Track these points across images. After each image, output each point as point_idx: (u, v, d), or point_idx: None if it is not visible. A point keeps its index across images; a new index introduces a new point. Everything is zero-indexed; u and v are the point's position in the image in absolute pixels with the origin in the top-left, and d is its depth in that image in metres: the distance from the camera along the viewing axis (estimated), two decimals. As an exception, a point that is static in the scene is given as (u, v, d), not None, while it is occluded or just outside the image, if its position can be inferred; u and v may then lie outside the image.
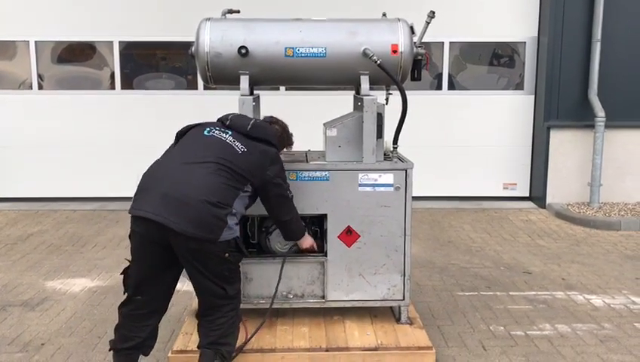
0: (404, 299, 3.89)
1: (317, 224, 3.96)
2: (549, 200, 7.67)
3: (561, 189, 7.65)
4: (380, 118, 3.73)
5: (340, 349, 3.60)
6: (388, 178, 3.77)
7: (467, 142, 7.97)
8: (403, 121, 3.80)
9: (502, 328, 4.23)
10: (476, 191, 8.04)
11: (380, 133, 3.76)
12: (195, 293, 3.36)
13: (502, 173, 8.07)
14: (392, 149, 3.96)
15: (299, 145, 4.49)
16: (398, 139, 3.91)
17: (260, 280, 3.85)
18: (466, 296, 4.83)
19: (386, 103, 3.89)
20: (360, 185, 3.77)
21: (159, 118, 7.82)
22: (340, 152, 3.82)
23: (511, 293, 4.88)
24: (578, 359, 3.80)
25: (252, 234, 3.94)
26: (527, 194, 8.08)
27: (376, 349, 3.60)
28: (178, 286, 5.10)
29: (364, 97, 3.68)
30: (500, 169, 8.06)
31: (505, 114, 7.98)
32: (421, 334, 3.77)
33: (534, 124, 7.93)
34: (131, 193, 3.35)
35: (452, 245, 6.17)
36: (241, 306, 3.78)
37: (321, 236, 3.96)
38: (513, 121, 7.99)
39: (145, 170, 3.39)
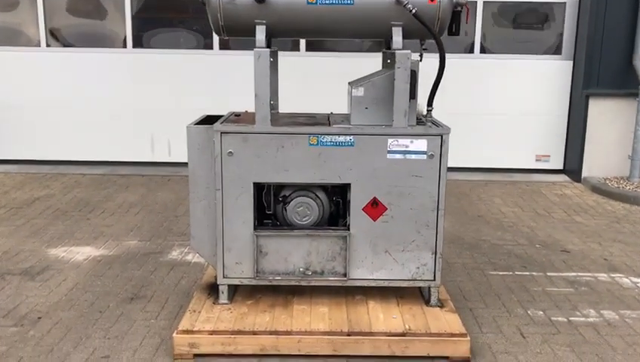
0: (434, 280, 3.51)
1: (339, 194, 3.57)
2: (584, 173, 7.18)
3: (598, 162, 7.15)
4: (413, 75, 3.29)
5: (363, 334, 3.24)
6: (421, 144, 3.35)
7: (498, 111, 7.47)
8: (440, 79, 3.37)
9: (541, 313, 3.83)
10: (506, 163, 7.56)
11: (413, 94, 3.33)
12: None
13: (534, 144, 7.58)
14: (425, 113, 3.54)
15: (318, 109, 4.08)
16: (433, 101, 3.48)
17: (276, 254, 3.48)
18: (500, 275, 4.43)
19: (420, 60, 3.45)
20: (389, 151, 3.36)
21: (173, 79, 7.42)
22: (367, 115, 3.40)
23: (549, 274, 4.47)
24: (630, 351, 3.40)
25: (267, 204, 3.56)
26: (561, 167, 7.59)
27: (403, 335, 3.23)
28: (188, 257, 4.83)
29: (397, 52, 3.24)
30: (532, 140, 7.57)
31: (540, 81, 7.44)
32: (453, 318, 3.39)
33: (572, 92, 7.39)
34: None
35: (482, 220, 5.75)
36: (255, 282, 3.45)
37: (343, 208, 3.57)
38: (549, 88, 7.46)
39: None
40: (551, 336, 3.54)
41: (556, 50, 7.43)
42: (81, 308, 3.84)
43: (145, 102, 7.50)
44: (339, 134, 3.34)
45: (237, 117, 3.70)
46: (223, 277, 3.51)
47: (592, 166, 7.15)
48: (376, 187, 3.39)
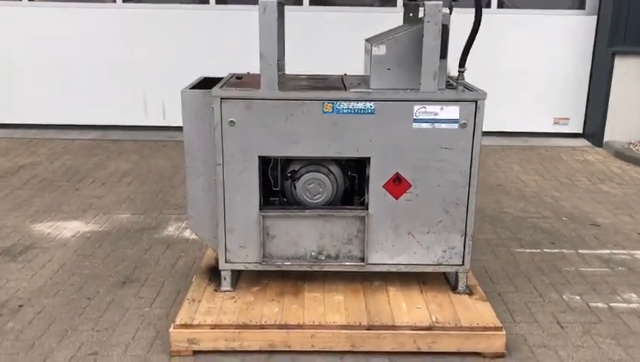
0: (463, 264, 3.12)
1: (355, 168, 3.15)
2: (606, 137, 6.74)
3: (622, 126, 6.70)
4: (445, 30, 2.83)
5: (385, 327, 2.86)
6: (452, 111, 2.91)
7: (514, 70, 6.95)
8: (476, 33, 2.94)
9: (578, 297, 3.46)
10: (523, 127, 7.11)
11: (444, 52, 2.87)
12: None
13: (553, 106, 7.11)
14: (456, 75, 3.09)
15: (323, 69, 3.63)
16: (466, 61, 3.03)
17: (285, 237, 3.08)
18: (527, 253, 4.05)
19: (450, 13, 2.98)
20: (415, 120, 2.92)
21: (167, 36, 6.89)
22: (390, 77, 2.95)
23: (580, 251, 4.09)
24: (683, 344, 3.04)
25: (274, 180, 3.14)
26: (580, 131, 7.15)
27: (430, 328, 2.86)
28: (186, 234, 4.42)
29: (426, 2, 2.77)
30: (550, 101, 7.09)
31: (560, 37, 6.92)
32: (485, 308, 3.01)
33: (595, 49, 6.88)
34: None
35: (502, 189, 5.34)
36: (262, 268, 3.06)
37: (360, 184, 3.15)
38: (570, 45, 6.94)
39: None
40: (592, 326, 3.18)
41: (579, 4, 6.89)
42: (67, 293, 3.45)
43: (137, 60, 6.97)
44: (357, 100, 2.89)
45: (239, 80, 3.25)
46: (226, 261, 3.11)
47: (615, 130, 6.71)
48: (399, 161, 2.97)
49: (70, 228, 4.36)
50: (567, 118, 7.14)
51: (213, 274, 3.26)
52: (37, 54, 6.99)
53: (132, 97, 7.04)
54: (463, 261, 3.11)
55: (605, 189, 5.40)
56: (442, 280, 3.27)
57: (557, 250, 4.10)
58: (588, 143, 6.93)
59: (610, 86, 6.63)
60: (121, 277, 3.65)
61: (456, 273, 3.14)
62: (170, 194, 5.10)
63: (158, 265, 3.81)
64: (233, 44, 6.61)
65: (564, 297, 3.47)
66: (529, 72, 6.97)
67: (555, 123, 7.16)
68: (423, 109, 2.90)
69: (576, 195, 5.23)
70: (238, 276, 3.24)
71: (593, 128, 6.91)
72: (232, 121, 2.91)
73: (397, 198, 3.02)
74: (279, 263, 3.10)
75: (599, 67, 6.79)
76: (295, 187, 3.09)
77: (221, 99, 2.90)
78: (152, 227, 4.42)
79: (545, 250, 4.11)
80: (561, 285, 3.61)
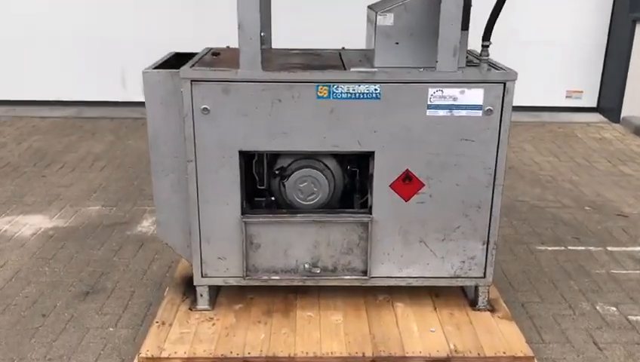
0: (484, 277, 2.63)
1: (355, 162, 2.63)
2: (624, 112, 6.22)
3: (641, 99, 6.18)
4: (468, -4, 2.29)
5: (393, 360, 2.38)
6: (475, 95, 2.38)
7: (523, 38, 6.33)
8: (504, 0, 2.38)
9: (613, 309, 2.99)
10: (533, 101, 6.53)
11: (465, 23, 2.33)
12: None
13: (565, 78, 6.56)
14: (479, 51, 2.55)
15: (317, 42, 3.08)
16: (491, 33, 2.48)
17: (273, 246, 2.57)
18: (550, 251, 3.57)
19: (472, -26, 2.43)
20: (430, 106, 2.39)
21: (147, 2, 6.26)
22: (398, 53, 2.41)
23: (609, 248, 3.61)
24: None
25: (259, 177, 2.62)
26: (595, 105, 6.62)
27: (448, 360, 2.38)
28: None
29: (446, -40, 2.22)
30: (562, 72, 6.53)
31: (574, 2, 6.34)
32: (511, 330, 2.53)
33: (613, 16, 6.30)
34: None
35: (515, 173, 4.83)
36: (245, 283, 2.56)
37: (362, 180, 2.64)
38: (584, 11, 6.36)
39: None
40: (635, 347, 2.70)
41: (597, -35, 6.31)
42: (18, 309, 2.94)
43: (114, 31, 6.34)
44: (359, 82, 2.35)
45: (215, 56, 2.70)
46: (202, 276, 2.61)
47: (634, 103, 6.18)
48: (410, 156, 2.45)
49: (31, 225, 3.84)
50: (581, 91, 6.61)
51: (189, 286, 2.76)
52: (6, 27, 6.35)
53: (109, 71, 6.43)
54: (485, 273, 2.62)
55: (628, 172, 4.91)
56: (458, 292, 2.78)
57: (583, 248, 3.61)
58: (603, 118, 6.41)
59: (629, 56, 6.08)
60: (84, 286, 3.15)
61: (476, 286, 2.66)
62: (147, 182, 4.55)
63: (127, 271, 3.31)
64: (218, 12, 5.98)
65: (597, 308, 2.99)
66: (540, 40, 6.39)
67: (567, 96, 6.62)
68: (440, 93, 2.37)
69: (596, 179, 4.73)
70: (217, 291, 2.75)
71: (609, 102, 6.38)
72: (205, 109, 2.37)
73: (407, 200, 2.51)
74: (265, 277, 2.60)
75: (617, 35, 6.22)
76: (284, 186, 2.57)
77: (192, 81, 2.35)
78: (125, 222, 3.90)
79: (569, 247, 3.62)
80: (592, 292, 3.13)
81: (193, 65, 2.44)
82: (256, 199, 2.68)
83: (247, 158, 2.54)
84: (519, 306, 2.99)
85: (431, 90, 2.36)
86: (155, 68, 2.51)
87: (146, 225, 3.85)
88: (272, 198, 2.68)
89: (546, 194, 4.43)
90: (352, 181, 2.71)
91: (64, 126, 5.96)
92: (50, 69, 6.44)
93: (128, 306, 2.98)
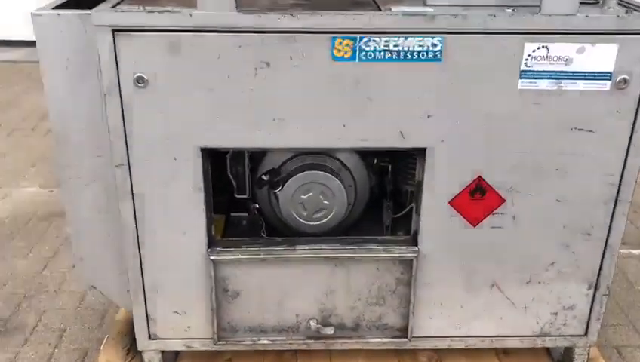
0: (586, 335, 1.72)
1: (390, 157, 1.67)
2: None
3: None
4: None
5: None
6: (603, 55, 1.39)
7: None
8: None
9: None
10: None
11: None
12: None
13: None
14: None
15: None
16: (633, -55, 1.47)
17: (259, 295, 1.63)
18: None
19: None
20: (524, 73, 1.40)
21: None
22: (471, -19, 1.40)
23: None
24: None
25: (238, 182, 1.65)
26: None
27: None
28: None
29: None
30: None
31: None
32: (629, 422, 1.65)
33: None
34: None
35: None
36: (218, 348, 1.64)
37: (394, 178, 1.69)
38: None
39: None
40: None
41: None
42: None
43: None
44: (406, 32, 1.35)
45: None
46: (150, 337, 1.68)
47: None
48: (485, 155, 1.48)
49: (-61, 218, 2.89)
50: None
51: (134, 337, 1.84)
52: None
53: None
54: (587, 329, 1.71)
55: None
56: (537, 350, 1.88)
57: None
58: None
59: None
60: (-7, 321, 2.23)
61: (573, 347, 1.75)
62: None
63: (60, 293, 2.37)
64: None
65: None
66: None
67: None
68: (544, 51, 1.38)
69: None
70: (177, 352, 1.83)
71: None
72: (140, 79, 1.38)
73: (475, 225, 1.56)
74: (248, 340, 1.68)
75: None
76: (277, 198, 1.61)
77: (114, 31, 1.35)
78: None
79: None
80: None
81: (117, 4, 1.42)
82: (232, 215, 1.73)
83: (215, 156, 1.57)
84: (611, 350, 2.09)
85: (529, 47, 1.37)
86: (56, 7, 1.50)
87: (95, 216, 2.90)
88: (257, 209, 1.73)
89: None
90: (380, 182, 1.75)
91: (9, 72, 4.90)
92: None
93: (54, 356, 2.06)
